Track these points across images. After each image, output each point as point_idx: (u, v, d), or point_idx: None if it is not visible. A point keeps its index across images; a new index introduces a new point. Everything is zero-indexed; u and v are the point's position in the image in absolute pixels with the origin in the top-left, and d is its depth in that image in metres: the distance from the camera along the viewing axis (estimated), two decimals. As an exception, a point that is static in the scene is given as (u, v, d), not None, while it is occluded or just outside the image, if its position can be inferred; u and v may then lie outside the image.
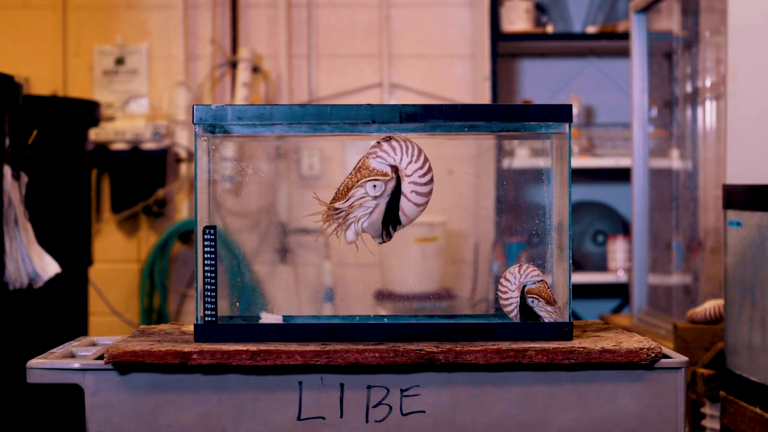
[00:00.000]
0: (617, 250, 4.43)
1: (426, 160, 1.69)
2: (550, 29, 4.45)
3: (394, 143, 1.68)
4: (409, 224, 1.70)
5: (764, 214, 2.17)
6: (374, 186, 1.67)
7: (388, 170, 1.67)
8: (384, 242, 1.70)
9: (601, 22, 4.54)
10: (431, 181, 1.69)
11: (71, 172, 3.27)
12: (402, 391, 1.59)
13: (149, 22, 4.50)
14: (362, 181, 1.66)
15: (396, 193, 1.67)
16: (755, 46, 2.91)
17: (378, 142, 1.68)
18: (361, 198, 1.67)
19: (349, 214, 1.67)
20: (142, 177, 4.35)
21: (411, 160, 1.67)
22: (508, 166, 3.99)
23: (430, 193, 1.69)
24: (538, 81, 4.74)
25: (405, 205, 1.67)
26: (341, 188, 1.67)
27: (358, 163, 1.68)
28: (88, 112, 3.34)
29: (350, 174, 1.67)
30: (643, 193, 3.80)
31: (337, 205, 1.66)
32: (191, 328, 1.76)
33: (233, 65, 4.42)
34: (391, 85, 4.52)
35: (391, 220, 1.68)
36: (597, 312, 4.51)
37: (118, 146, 4.33)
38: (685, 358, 1.61)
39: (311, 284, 4.01)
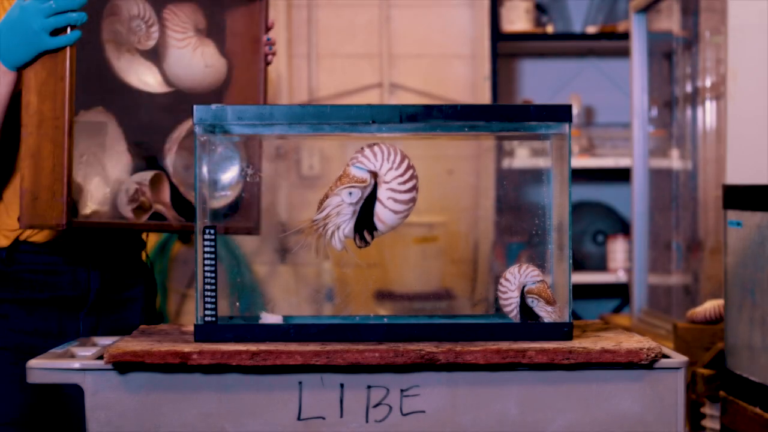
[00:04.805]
0: (617, 250, 4.43)
1: (409, 167, 1.67)
2: (550, 29, 4.45)
3: (375, 149, 1.67)
4: (389, 230, 1.69)
5: (764, 214, 2.17)
6: (350, 193, 1.67)
7: (367, 177, 1.67)
8: (361, 247, 1.69)
9: (601, 22, 4.54)
10: (413, 188, 1.67)
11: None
12: (402, 391, 1.59)
13: (149, 22, 4.49)
14: (338, 189, 1.66)
15: (370, 199, 1.67)
16: (755, 46, 2.91)
17: (361, 148, 1.68)
18: (338, 206, 1.67)
19: (327, 224, 1.67)
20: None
21: (391, 166, 1.67)
22: (508, 166, 3.99)
23: (411, 200, 1.68)
24: (538, 81, 4.74)
25: (381, 212, 1.67)
26: (323, 198, 1.67)
27: (342, 170, 1.68)
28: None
29: (333, 182, 1.67)
30: (643, 193, 3.80)
31: (314, 217, 1.67)
32: (191, 328, 1.76)
33: (233, 65, 4.42)
34: (391, 85, 4.52)
35: (366, 226, 1.68)
36: (597, 312, 4.51)
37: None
38: (685, 358, 1.61)
39: (311, 284, 4.01)
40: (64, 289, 2.02)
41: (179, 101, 2.12)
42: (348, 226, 1.68)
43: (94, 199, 1.98)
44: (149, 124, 2.09)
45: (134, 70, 2.07)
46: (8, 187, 1.99)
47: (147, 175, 2.03)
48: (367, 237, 1.69)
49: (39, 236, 2.00)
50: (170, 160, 2.06)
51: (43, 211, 1.81)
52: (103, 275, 2.06)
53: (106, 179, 2.01)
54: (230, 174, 1.89)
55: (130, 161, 2.05)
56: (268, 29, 2.22)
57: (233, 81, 2.20)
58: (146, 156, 2.07)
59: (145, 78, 2.09)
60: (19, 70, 1.83)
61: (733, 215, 2.30)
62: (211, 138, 1.72)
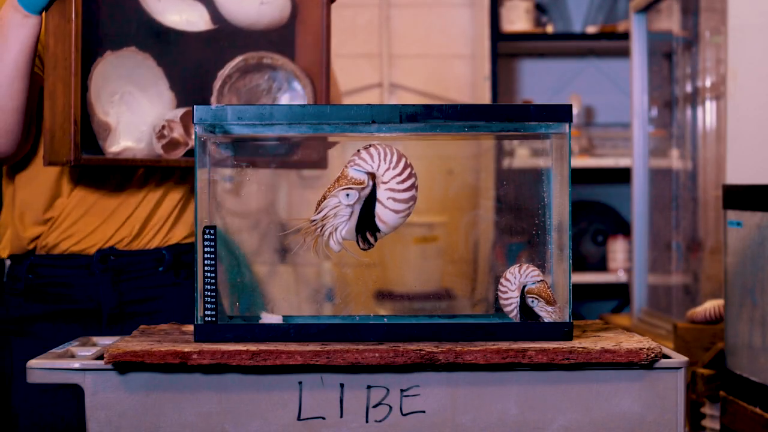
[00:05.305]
0: (617, 250, 4.43)
1: (407, 166, 1.67)
2: (550, 29, 4.45)
3: (372, 150, 1.67)
4: (391, 231, 1.69)
5: (764, 214, 2.17)
6: (347, 195, 1.66)
7: (364, 178, 1.66)
8: (365, 249, 1.69)
9: (601, 22, 4.54)
10: (412, 187, 1.67)
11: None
12: (402, 391, 1.59)
13: (149, 22, 4.50)
14: (335, 190, 1.66)
15: (371, 200, 1.67)
16: (755, 46, 2.91)
17: (358, 150, 1.68)
18: (335, 207, 1.67)
19: (324, 225, 1.67)
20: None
21: (389, 166, 1.66)
22: (508, 166, 3.99)
23: (411, 199, 1.67)
24: (538, 81, 4.74)
25: (381, 212, 1.67)
26: (320, 199, 1.67)
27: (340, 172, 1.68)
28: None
29: (331, 183, 1.67)
30: (643, 193, 3.81)
31: (311, 217, 1.66)
32: (191, 328, 1.76)
33: (233, 65, 4.42)
34: (392, 85, 4.52)
35: (368, 227, 1.67)
36: (597, 312, 4.51)
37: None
38: (685, 358, 1.61)
39: (311, 284, 4.01)
40: (80, 301, 2.02)
41: (227, 38, 2.12)
42: (345, 228, 1.68)
43: (127, 137, 2.01)
44: (194, 62, 2.09)
45: (177, 9, 2.06)
46: (26, 186, 2.04)
47: (178, 112, 2.03)
48: (370, 239, 1.69)
49: (50, 239, 2.01)
50: (215, 97, 2.06)
51: (58, 148, 1.90)
52: (116, 286, 2.05)
53: (143, 118, 2.03)
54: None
55: (173, 99, 2.05)
56: None
57: (299, 19, 2.18)
58: (192, 94, 2.08)
59: (188, 17, 2.08)
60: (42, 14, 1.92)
61: (733, 215, 2.30)
62: (211, 138, 1.72)
